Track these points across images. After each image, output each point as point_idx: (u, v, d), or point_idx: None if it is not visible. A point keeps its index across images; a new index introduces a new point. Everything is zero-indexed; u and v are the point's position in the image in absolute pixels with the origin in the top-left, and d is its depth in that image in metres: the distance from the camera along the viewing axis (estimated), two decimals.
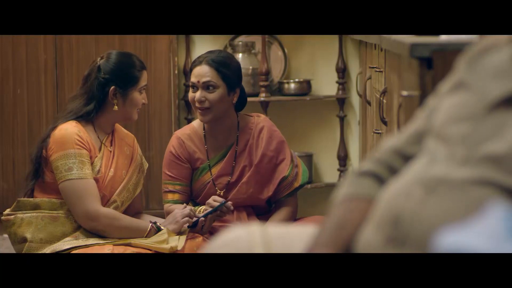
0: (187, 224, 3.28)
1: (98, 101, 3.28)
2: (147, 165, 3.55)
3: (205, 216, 3.29)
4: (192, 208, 3.35)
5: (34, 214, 3.23)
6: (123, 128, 3.47)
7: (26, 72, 4.74)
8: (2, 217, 3.29)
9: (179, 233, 3.28)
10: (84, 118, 3.28)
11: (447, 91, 1.66)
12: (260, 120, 3.53)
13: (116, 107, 3.29)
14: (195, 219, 3.31)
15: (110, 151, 3.33)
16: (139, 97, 3.33)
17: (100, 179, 3.25)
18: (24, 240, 3.21)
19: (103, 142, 3.32)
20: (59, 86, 4.74)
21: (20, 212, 3.24)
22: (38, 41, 4.73)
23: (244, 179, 3.46)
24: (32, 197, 3.27)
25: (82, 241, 3.16)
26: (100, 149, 3.30)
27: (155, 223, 3.28)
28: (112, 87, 3.27)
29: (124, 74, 3.29)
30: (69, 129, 3.22)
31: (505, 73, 1.56)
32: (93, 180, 3.21)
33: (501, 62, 1.58)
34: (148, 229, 3.25)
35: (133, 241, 3.18)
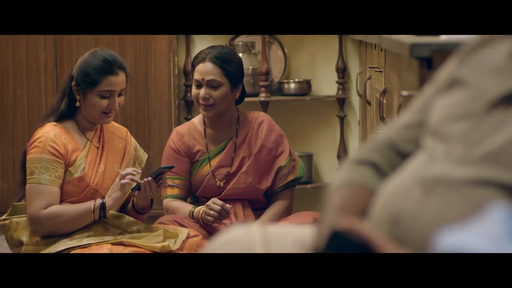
0: (131, 186, 3.17)
1: (68, 96, 3.23)
2: (146, 156, 3.48)
3: (150, 176, 3.19)
4: (135, 169, 3.24)
5: None
6: (114, 122, 3.40)
7: (26, 72, 4.74)
8: None
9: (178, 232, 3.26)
10: (65, 116, 3.24)
11: (443, 88, 1.64)
12: (260, 115, 3.59)
13: (78, 103, 3.23)
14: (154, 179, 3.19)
15: (97, 147, 3.29)
16: (98, 101, 3.19)
17: (86, 177, 3.20)
18: (21, 243, 3.20)
19: (90, 138, 3.29)
20: (59, 86, 4.72)
21: (15, 216, 3.23)
22: (38, 41, 4.73)
23: (243, 169, 3.48)
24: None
25: (77, 241, 3.14)
26: (84, 147, 3.26)
27: (103, 201, 3.17)
28: (73, 83, 3.22)
29: (84, 74, 3.19)
30: (45, 134, 3.17)
31: (504, 70, 1.55)
32: (52, 187, 3.15)
33: (499, 58, 1.57)
34: (92, 209, 3.16)
35: (125, 240, 3.16)
